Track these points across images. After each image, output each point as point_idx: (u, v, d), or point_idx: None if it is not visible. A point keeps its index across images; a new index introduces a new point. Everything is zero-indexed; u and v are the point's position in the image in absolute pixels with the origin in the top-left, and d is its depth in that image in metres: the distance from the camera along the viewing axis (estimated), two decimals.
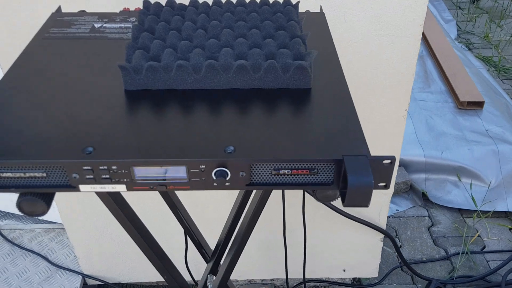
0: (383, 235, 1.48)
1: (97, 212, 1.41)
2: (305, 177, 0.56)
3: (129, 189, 0.57)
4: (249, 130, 0.58)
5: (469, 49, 3.13)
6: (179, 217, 1.05)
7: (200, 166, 0.55)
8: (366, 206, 0.53)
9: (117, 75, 0.68)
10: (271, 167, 0.55)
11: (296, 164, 0.55)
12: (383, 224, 1.44)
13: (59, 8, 0.88)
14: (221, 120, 0.60)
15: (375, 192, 1.35)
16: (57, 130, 0.58)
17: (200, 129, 0.58)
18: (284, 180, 0.56)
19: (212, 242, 1.12)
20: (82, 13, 0.87)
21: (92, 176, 0.55)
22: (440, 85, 2.49)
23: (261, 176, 0.56)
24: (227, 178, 0.55)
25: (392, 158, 0.54)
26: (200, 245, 1.10)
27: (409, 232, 1.90)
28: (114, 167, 0.55)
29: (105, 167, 0.55)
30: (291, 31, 0.71)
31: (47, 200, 0.57)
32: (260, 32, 0.70)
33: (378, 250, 1.53)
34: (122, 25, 0.82)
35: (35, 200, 0.57)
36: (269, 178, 0.56)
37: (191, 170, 0.55)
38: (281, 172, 0.56)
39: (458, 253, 1.80)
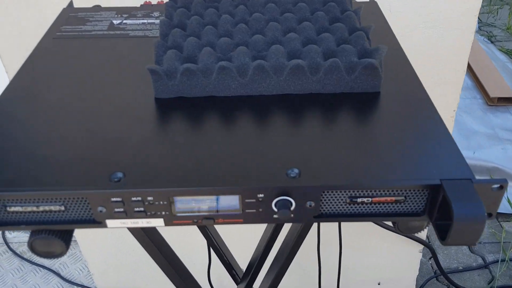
0: (422, 246, 1.37)
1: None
2: (388, 207, 0.45)
3: (167, 223, 0.46)
4: (314, 147, 0.47)
5: (492, 42, 2.99)
6: (206, 234, 0.94)
7: (258, 196, 0.43)
8: (474, 244, 0.42)
9: (145, 80, 0.57)
10: (347, 194, 0.44)
11: (379, 191, 0.43)
12: (423, 234, 1.33)
13: (71, 2, 0.77)
14: (277, 134, 0.49)
15: None
16: (77, 151, 0.47)
17: (253, 147, 0.47)
18: (360, 210, 0.45)
19: (239, 261, 1.01)
20: (98, 8, 0.75)
21: (122, 210, 0.44)
22: (467, 80, 2.36)
23: (333, 206, 0.45)
24: (291, 209, 0.44)
25: (503, 182, 0.42)
26: (231, 266, 0.99)
27: None
28: (150, 198, 0.43)
29: (139, 198, 0.43)
30: (349, 23, 0.60)
31: (66, 238, 0.46)
32: (312, 25, 0.59)
33: (416, 262, 1.41)
34: (145, 21, 0.71)
35: (51, 239, 0.46)
36: (342, 208, 0.45)
37: (246, 200, 0.44)
38: (359, 200, 0.44)
39: (497, 261, 1.67)
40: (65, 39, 0.67)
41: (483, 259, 1.70)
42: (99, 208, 0.44)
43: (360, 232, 1.33)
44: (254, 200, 0.44)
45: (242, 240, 1.23)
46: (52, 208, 0.44)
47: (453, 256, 1.72)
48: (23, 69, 0.60)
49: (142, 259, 1.38)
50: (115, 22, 0.71)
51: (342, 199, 0.44)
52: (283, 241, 0.78)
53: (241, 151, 0.46)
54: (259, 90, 0.54)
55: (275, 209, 0.44)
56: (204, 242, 0.99)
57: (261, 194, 0.43)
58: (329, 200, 0.44)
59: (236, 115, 0.51)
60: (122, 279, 1.45)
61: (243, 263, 1.02)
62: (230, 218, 0.45)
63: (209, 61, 0.53)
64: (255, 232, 1.21)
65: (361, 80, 0.53)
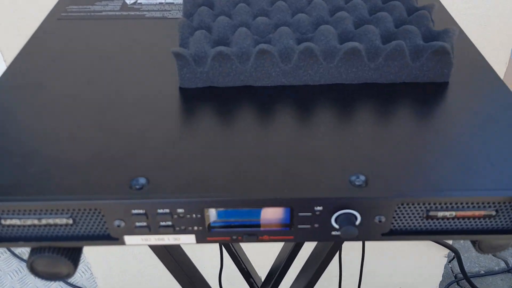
0: (447, 251, 1.28)
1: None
2: (473, 222, 0.36)
3: (200, 240, 0.37)
4: (378, 149, 0.38)
5: None
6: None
7: (316, 209, 0.35)
8: None
9: (167, 67, 0.48)
10: (425, 207, 0.35)
11: (466, 205, 0.35)
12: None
13: None
14: (331, 133, 0.40)
15: None
16: (89, 151, 0.38)
17: (303, 148, 0.38)
18: (438, 226, 0.36)
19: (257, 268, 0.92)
20: None
21: (145, 224, 0.36)
22: None
23: (406, 221, 0.36)
24: (356, 224, 0.35)
25: None
26: (249, 273, 0.90)
27: (462, 241, 1.69)
28: (180, 211, 0.35)
29: (167, 210, 0.35)
30: (405, 1, 0.51)
31: (74, 257, 0.38)
32: (363, 3, 0.50)
33: (440, 267, 1.33)
34: (163, 1, 0.62)
35: (56, 258, 0.37)
36: (417, 223, 0.36)
37: (299, 214, 0.35)
38: (439, 215, 0.35)
39: None
40: (71, 20, 0.58)
41: (506, 263, 1.61)
42: (116, 222, 0.35)
43: None
44: (309, 214, 0.35)
45: (261, 245, 1.15)
46: (58, 221, 0.35)
47: (474, 259, 1.64)
48: (22, 53, 0.51)
49: (148, 262, 1.30)
50: (128, 1, 0.62)
51: (418, 213, 0.35)
52: (314, 250, 0.69)
53: (290, 153, 0.38)
54: (304, 79, 0.45)
55: (335, 225, 0.35)
56: (215, 244, 0.91)
57: (319, 206, 0.35)
58: (403, 214, 0.35)
59: (278, 108, 0.43)
60: (127, 282, 1.36)
61: (260, 270, 0.94)
62: (278, 235, 0.37)
63: (245, 44, 0.45)
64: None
65: (428, 68, 0.44)
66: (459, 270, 1.58)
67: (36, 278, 0.40)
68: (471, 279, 1.54)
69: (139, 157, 0.38)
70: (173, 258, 0.51)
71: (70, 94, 0.45)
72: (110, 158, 0.37)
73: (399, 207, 0.35)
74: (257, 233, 0.36)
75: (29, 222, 0.35)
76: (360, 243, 1.12)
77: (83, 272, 1.44)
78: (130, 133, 0.40)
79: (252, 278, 0.92)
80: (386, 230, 0.36)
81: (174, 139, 0.39)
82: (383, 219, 0.35)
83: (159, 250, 0.53)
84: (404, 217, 0.36)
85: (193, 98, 0.44)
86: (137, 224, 0.35)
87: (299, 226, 0.36)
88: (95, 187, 0.35)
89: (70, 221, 0.36)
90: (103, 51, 0.51)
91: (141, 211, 0.35)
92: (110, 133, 0.40)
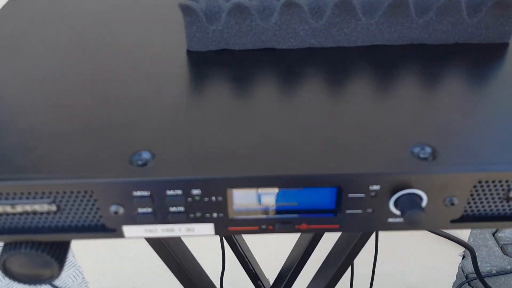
0: (463, 249, 1.21)
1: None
2: None
3: (220, 231, 0.29)
4: (443, 115, 0.31)
5: None
6: (230, 237, 0.77)
7: (371, 188, 0.27)
8: None
9: (172, 25, 0.41)
10: (507, 186, 0.28)
11: None
12: (465, 236, 1.17)
13: None
14: (377, 100, 0.32)
15: None
16: (78, 121, 0.30)
17: (346, 117, 0.31)
18: None
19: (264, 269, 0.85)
20: None
21: (150, 210, 0.28)
22: None
23: (482, 203, 0.28)
24: (423, 206, 0.28)
25: None
26: (256, 275, 0.82)
27: (471, 239, 1.62)
28: (196, 192, 0.27)
29: (179, 192, 0.27)
30: None
31: (58, 254, 0.30)
32: None
33: (454, 267, 1.26)
34: None
35: (36, 256, 0.29)
36: (495, 206, 0.29)
37: (349, 196, 0.27)
38: None
39: None
40: None
41: None
42: (113, 208, 0.27)
43: (395, 233, 1.17)
44: (361, 196, 0.27)
45: (268, 243, 1.07)
46: (38, 207, 0.28)
47: (485, 259, 1.57)
48: (1, 11, 0.43)
49: (144, 265, 1.21)
50: None
51: (497, 194, 0.28)
52: (334, 246, 0.62)
53: (331, 123, 0.30)
54: (337, 39, 0.38)
55: (394, 210, 0.28)
56: (216, 242, 0.83)
57: (376, 185, 0.27)
58: (479, 195, 0.28)
59: (307, 74, 0.35)
60: None
61: (267, 270, 0.86)
62: (319, 223, 0.29)
63: None
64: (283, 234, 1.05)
65: (486, 25, 0.37)
66: (469, 270, 1.51)
67: (12, 281, 0.32)
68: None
69: (141, 127, 0.30)
70: (175, 255, 0.43)
71: (58, 57, 0.37)
72: (104, 129, 0.30)
73: (475, 186, 0.27)
74: (293, 221, 0.29)
75: (0, 209, 0.28)
76: (373, 242, 1.05)
77: (74, 277, 1.35)
78: (128, 101, 0.32)
79: (260, 281, 0.84)
80: (457, 215, 0.28)
81: (182, 108, 0.32)
82: (455, 201, 0.27)
83: (159, 246, 0.45)
84: (480, 198, 0.28)
85: (203, 63, 0.36)
86: (140, 210, 0.28)
87: (348, 212, 0.28)
88: (86, 163, 0.27)
89: (53, 208, 0.28)
90: (96, 5, 0.44)
91: (145, 193, 0.27)
92: (103, 101, 0.32)
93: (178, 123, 0.30)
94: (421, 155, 0.27)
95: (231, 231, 0.29)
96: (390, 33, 0.37)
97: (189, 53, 0.38)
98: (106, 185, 0.26)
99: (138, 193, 0.27)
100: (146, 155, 0.28)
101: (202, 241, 1.12)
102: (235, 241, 0.75)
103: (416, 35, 0.38)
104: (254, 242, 0.95)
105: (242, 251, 0.77)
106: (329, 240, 0.69)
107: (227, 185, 0.27)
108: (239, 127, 0.30)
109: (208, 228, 0.29)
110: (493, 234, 1.64)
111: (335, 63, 0.36)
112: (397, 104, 0.31)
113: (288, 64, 0.36)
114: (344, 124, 0.30)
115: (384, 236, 1.15)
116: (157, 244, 0.43)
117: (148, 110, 0.31)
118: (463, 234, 1.18)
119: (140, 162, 0.27)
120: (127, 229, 0.29)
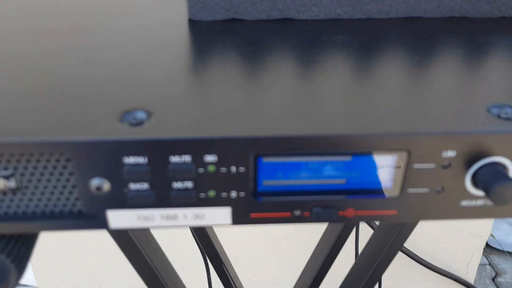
0: None
1: (87, 272, 1.02)
2: None
3: (239, 220, 0.22)
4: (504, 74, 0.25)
5: None
6: (210, 250, 0.66)
7: (443, 155, 0.20)
8: None
9: None
10: None
11: None
12: (471, 277, 1.10)
13: None
14: (429, 68, 0.26)
15: (465, 235, 1.02)
16: (52, 78, 0.23)
17: (402, 79, 0.24)
18: None
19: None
20: None
21: (146, 186, 0.20)
22: None
23: None
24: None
25: None
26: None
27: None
28: (210, 159, 0.20)
29: (188, 159, 0.20)
30: None
31: (16, 253, 0.21)
32: None
33: None
34: None
35: None
36: None
37: (414, 167, 0.21)
38: None
39: None
40: None
41: None
42: (95, 182, 0.20)
43: (398, 269, 1.09)
44: (431, 166, 0.20)
45: (256, 260, 0.96)
46: None
47: None
48: None
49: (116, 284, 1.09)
50: None
51: None
52: (362, 254, 0.53)
53: (385, 83, 0.24)
54: (367, 10, 0.32)
55: (470, 188, 0.21)
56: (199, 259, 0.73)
57: (451, 150, 0.20)
58: None
59: (333, 50, 0.29)
60: None
61: None
62: (372, 208, 0.22)
63: None
64: (280, 247, 0.95)
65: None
66: None
67: None
68: None
69: (134, 86, 0.23)
70: (144, 252, 0.34)
71: (48, 18, 0.30)
72: (89, 87, 0.23)
73: None
74: (337, 205, 0.21)
75: None
76: None
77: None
78: (118, 64, 0.25)
79: None
80: None
81: (185, 72, 0.25)
82: None
83: (125, 241, 0.36)
84: None
85: (208, 36, 0.30)
86: (132, 186, 0.20)
87: (410, 191, 0.21)
88: (59, 122, 0.20)
89: (12, 184, 0.20)
90: None
91: (140, 160, 0.20)
92: (89, 62, 0.25)
93: (180, 82, 0.23)
94: (502, 115, 0.21)
95: (254, 218, 0.21)
96: (428, 3, 0.32)
97: (192, 23, 0.32)
98: (87, 147, 0.19)
99: (130, 160, 0.19)
100: (141, 114, 0.21)
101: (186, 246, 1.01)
102: (217, 253, 0.64)
103: (458, 7, 0.32)
104: (237, 253, 0.84)
105: (226, 268, 0.67)
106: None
107: (251, 149, 0.20)
108: (260, 87, 0.23)
109: (223, 214, 0.21)
110: (493, 280, 1.56)
111: (365, 37, 0.30)
112: (458, 71, 0.25)
113: (309, 38, 0.30)
114: (402, 87, 0.23)
115: (386, 275, 1.07)
116: (121, 236, 0.35)
117: (143, 72, 0.24)
118: (469, 276, 1.10)
119: (133, 121, 0.20)
120: (112, 215, 0.21)
